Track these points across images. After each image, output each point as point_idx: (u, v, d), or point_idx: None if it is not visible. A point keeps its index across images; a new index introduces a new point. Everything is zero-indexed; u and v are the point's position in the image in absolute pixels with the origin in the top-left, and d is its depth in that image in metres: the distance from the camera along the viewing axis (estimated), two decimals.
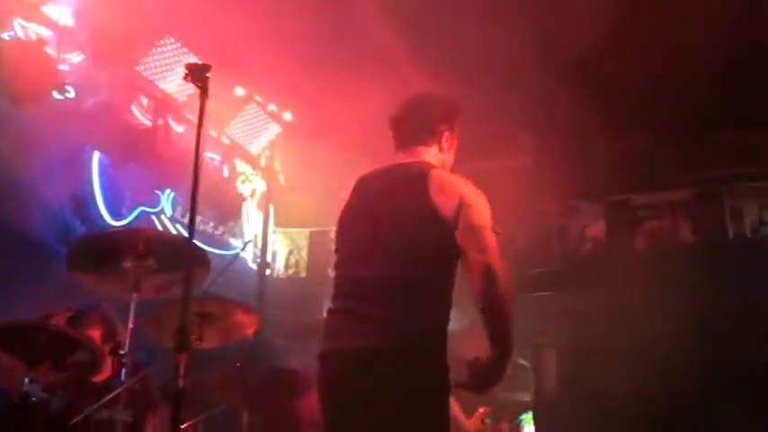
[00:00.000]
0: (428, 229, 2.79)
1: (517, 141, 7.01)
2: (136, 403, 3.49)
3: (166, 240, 3.85)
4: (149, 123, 6.06)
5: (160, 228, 6.10)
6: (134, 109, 5.95)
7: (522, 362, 9.66)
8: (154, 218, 6.18)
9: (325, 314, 3.02)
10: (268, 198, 7.55)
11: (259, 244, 7.40)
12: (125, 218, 5.84)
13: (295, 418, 4.33)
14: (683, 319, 8.14)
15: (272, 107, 7.19)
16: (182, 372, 2.27)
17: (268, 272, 7.40)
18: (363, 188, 3.06)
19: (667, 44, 5.10)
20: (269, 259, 7.48)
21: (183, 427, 3.77)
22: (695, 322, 8.10)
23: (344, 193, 3.12)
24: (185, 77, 2.59)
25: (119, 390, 3.33)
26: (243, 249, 7.04)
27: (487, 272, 2.68)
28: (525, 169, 6.90)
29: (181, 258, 3.27)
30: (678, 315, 8.14)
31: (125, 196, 5.90)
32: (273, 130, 7.33)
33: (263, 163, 7.60)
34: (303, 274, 7.53)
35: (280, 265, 7.67)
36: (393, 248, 2.80)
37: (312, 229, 7.65)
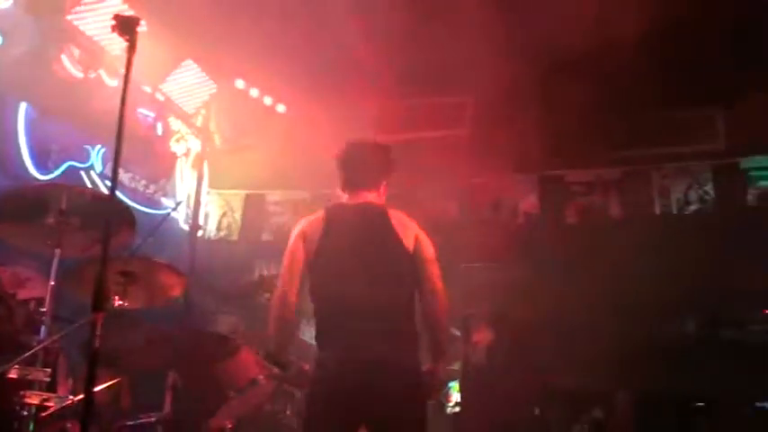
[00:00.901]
0: (402, 259, 3.46)
1: (456, 113, 7.04)
2: (53, 362, 3.41)
3: (91, 197, 3.75)
4: (80, 75, 5.84)
5: (89, 184, 5.94)
6: (64, 60, 5.73)
7: (455, 332, 9.82)
8: (83, 173, 6.02)
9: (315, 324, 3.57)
10: (203, 158, 7.40)
11: (192, 205, 7.27)
12: (51, 172, 5.66)
13: (219, 383, 4.29)
14: (609, 291, 8.40)
15: (209, 66, 7.02)
16: (98, 331, 2.21)
17: (200, 233, 7.28)
18: (336, 223, 3.57)
19: (601, 24, 5.16)
20: (201, 221, 7.37)
21: (105, 386, 3.74)
22: (620, 294, 8.36)
23: (308, 222, 3.62)
24: (113, 29, 2.50)
25: (36, 348, 3.25)
26: (174, 209, 6.91)
27: (436, 297, 3.48)
28: (462, 141, 6.94)
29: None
30: (604, 288, 8.39)
31: (52, 150, 5.72)
32: (210, 89, 7.18)
33: (199, 122, 7.44)
34: (235, 237, 7.44)
35: (212, 227, 7.56)
36: (380, 274, 3.41)
37: (247, 192, 7.54)
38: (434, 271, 3.51)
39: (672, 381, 7.80)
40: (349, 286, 3.40)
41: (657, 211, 6.65)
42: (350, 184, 3.70)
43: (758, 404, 8.37)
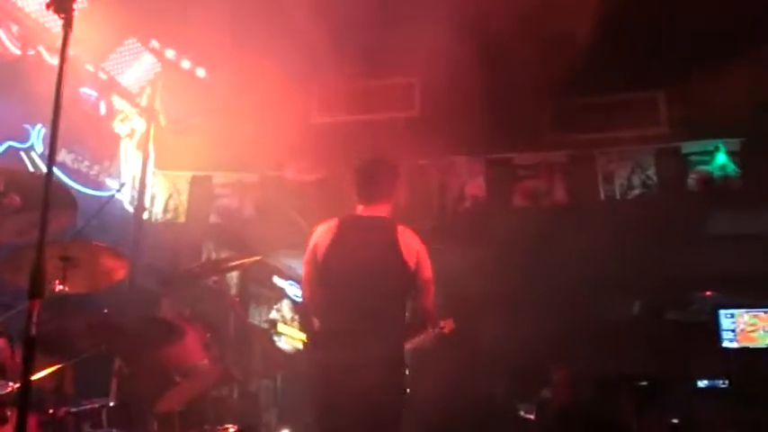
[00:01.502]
0: (400, 276, 3.95)
1: (403, 95, 7.03)
2: None
3: (30, 179, 3.66)
4: (18, 53, 5.67)
5: (29, 165, 5.79)
6: (2, 35, 5.56)
7: None
8: (23, 154, 5.85)
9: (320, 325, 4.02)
10: (147, 139, 7.27)
11: (137, 186, 7.15)
12: None
13: (165, 367, 4.25)
14: (556, 273, 8.56)
15: (153, 43, 6.89)
16: (34, 318, 2.16)
17: (146, 215, 7.17)
18: (347, 233, 4.06)
19: (546, 6, 5.20)
20: (147, 203, 7.25)
21: (47, 372, 3.66)
22: (567, 276, 8.53)
23: (322, 230, 4.11)
24: (48, 6, 2.43)
25: None
26: (119, 191, 6.78)
27: (428, 316, 4.27)
28: (410, 123, 6.94)
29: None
30: (551, 271, 8.54)
31: None
32: (154, 67, 7.04)
33: (143, 102, 7.30)
34: (182, 219, 7.33)
35: (158, 209, 7.44)
36: (379, 286, 3.91)
37: (193, 173, 7.44)
38: (430, 291, 4.10)
39: (617, 361, 8.01)
40: (349, 294, 3.91)
41: (602, 195, 6.74)
42: (365, 197, 4.19)
43: (699, 383, 8.67)
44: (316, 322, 4.11)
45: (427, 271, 4.05)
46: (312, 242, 4.13)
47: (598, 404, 6.59)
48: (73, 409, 3.80)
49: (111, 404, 3.91)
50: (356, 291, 3.89)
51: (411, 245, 4.02)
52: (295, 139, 6.80)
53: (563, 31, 5.45)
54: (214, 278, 4.97)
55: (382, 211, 4.17)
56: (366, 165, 4.29)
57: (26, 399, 2.27)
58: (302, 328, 4.41)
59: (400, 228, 4.06)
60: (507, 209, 6.83)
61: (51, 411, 3.59)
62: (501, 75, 5.98)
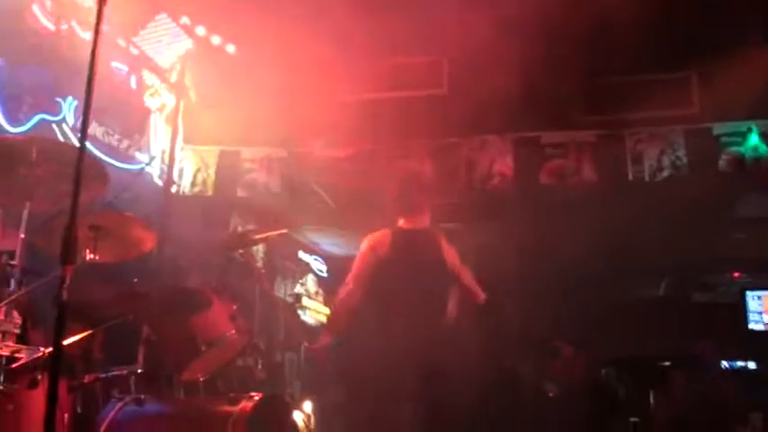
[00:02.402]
0: (444, 279, 4.67)
1: (431, 73, 7.02)
2: (24, 314, 3.42)
3: (62, 149, 3.73)
4: (52, 27, 5.75)
5: (61, 137, 5.87)
6: (36, 10, 5.63)
7: None
8: (54, 126, 5.93)
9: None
10: (177, 114, 7.34)
11: (166, 160, 7.23)
12: (23, 125, 5.58)
13: (191, 336, 4.31)
14: (582, 253, 8.53)
15: (184, 20, 6.94)
16: (66, 284, 2.22)
17: (174, 189, 7.26)
18: (401, 242, 4.66)
19: None
20: (176, 176, 7.33)
21: (76, 338, 3.75)
22: (593, 256, 8.50)
23: (377, 242, 4.68)
24: None
25: (6, 300, 3.25)
26: (149, 164, 6.89)
27: (473, 290, 4.89)
28: (439, 101, 6.93)
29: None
30: (577, 250, 8.51)
31: (23, 102, 5.64)
32: (185, 43, 7.09)
33: (173, 78, 7.36)
34: (210, 193, 7.41)
35: (187, 183, 7.53)
36: (430, 287, 4.58)
37: (221, 148, 7.50)
38: (466, 279, 4.84)
39: (642, 341, 7.99)
40: (406, 294, 4.48)
41: (630, 176, 6.68)
42: (409, 209, 4.75)
43: (726, 363, 8.62)
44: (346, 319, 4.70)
45: (465, 276, 4.81)
46: (367, 244, 4.68)
47: (619, 383, 6.56)
48: (101, 375, 3.89)
49: (139, 371, 3.99)
50: (409, 292, 4.48)
51: (448, 251, 4.73)
52: (323, 116, 6.83)
53: (595, 9, 5.41)
54: (241, 251, 5.03)
55: (425, 220, 4.75)
56: (408, 176, 4.89)
57: (58, 362, 2.34)
58: (333, 317, 4.68)
59: (442, 240, 4.74)
60: (534, 187, 6.81)
61: (80, 377, 3.67)
62: (530, 53, 5.94)
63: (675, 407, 6.89)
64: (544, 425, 6.10)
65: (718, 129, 6.60)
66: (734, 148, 6.52)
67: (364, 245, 4.74)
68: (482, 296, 4.96)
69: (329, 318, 4.90)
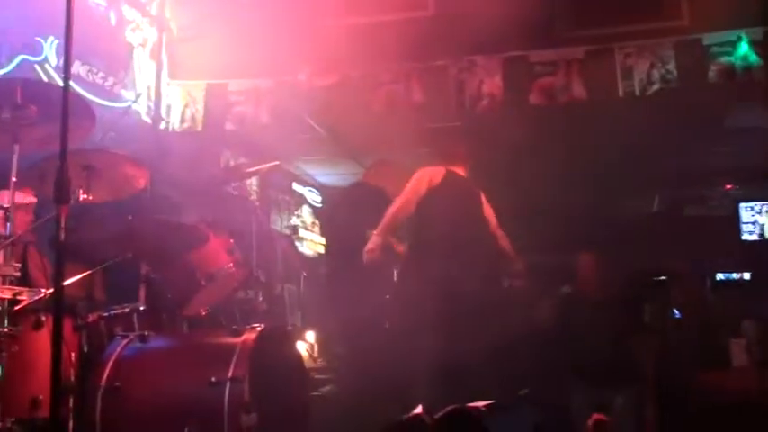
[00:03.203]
0: (484, 226, 5.28)
1: None
2: (23, 256, 3.44)
3: (46, 90, 3.68)
4: None
5: (44, 78, 5.78)
6: None
7: None
8: (37, 67, 5.85)
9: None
10: (160, 48, 7.22)
11: (152, 97, 7.14)
12: (4, 67, 5.50)
13: (190, 271, 4.35)
14: (575, 171, 8.53)
15: None
16: (62, 224, 2.22)
17: (162, 125, 7.19)
18: (450, 180, 5.15)
19: None
20: (164, 113, 7.26)
21: (77, 278, 3.78)
22: (585, 174, 8.51)
23: (432, 172, 5.16)
24: None
25: (4, 244, 3.26)
26: (135, 101, 6.80)
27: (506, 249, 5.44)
28: (424, 22, 6.83)
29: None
30: (570, 168, 8.52)
31: (3, 43, 5.54)
32: None
33: (153, 10, 7.21)
34: (199, 128, 7.34)
35: (175, 119, 7.45)
36: (474, 231, 5.13)
37: (208, 82, 7.40)
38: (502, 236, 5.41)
39: (637, 257, 8.07)
40: (446, 236, 4.86)
41: (621, 91, 6.64)
42: (448, 159, 5.31)
43: (719, 275, 8.73)
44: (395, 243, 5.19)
45: (501, 234, 5.40)
46: (420, 176, 5.11)
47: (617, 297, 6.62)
48: (104, 314, 3.93)
49: (142, 308, 4.03)
50: (455, 233, 4.91)
51: (486, 203, 5.35)
52: (308, 44, 6.73)
53: None
54: (234, 184, 5.02)
55: (464, 172, 5.34)
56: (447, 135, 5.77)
57: (60, 302, 2.36)
58: (387, 222, 4.96)
59: (480, 192, 5.35)
60: (524, 107, 6.77)
61: (84, 317, 3.71)
62: None
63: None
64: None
65: (708, 39, 6.52)
66: (724, 59, 6.46)
67: (417, 174, 5.15)
68: (519, 264, 5.51)
69: (383, 223, 5.11)
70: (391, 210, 5.14)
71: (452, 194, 5.10)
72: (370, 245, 4.98)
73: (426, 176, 5.11)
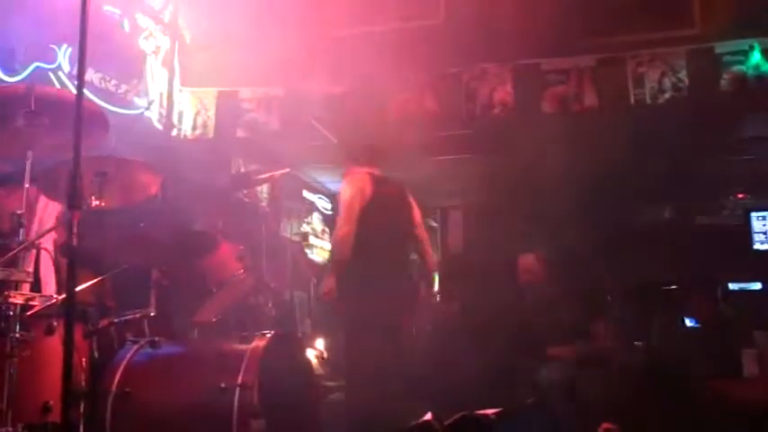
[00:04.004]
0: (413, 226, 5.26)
1: (428, 2, 6.92)
2: (35, 262, 3.46)
3: (60, 97, 3.70)
4: None
5: (57, 85, 5.84)
6: None
7: (432, 223, 9.97)
8: (51, 74, 5.90)
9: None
10: (173, 55, 7.27)
11: (164, 104, 7.19)
12: (19, 74, 5.56)
13: (201, 278, 4.37)
14: (586, 179, 8.51)
15: None
16: (74, 229, 2.24)
17: (175, 132, 7.24)
18: (380, 187, 5.01)
19: None
20: (175, 119, 7.30)
21: (88, 285, 3.80)
22: (597, 182, 8.48)
23: (361, 180, 4.98)
24: None
25: (16, 249, 3.28)
26: (147, 108, 6.85)
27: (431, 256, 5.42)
28: (435, 30, 6.84)
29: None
30: (582, 176, 8.49)
31: (17, 51, 5.59)
32: None
33: (167, 18, 7.26)
34: (211, 135, 7.38)
35: (187, 126, 7.50)
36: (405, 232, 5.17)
37: (220, 89, 7.44)
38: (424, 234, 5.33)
39: (648, 266, 8.03)
40: (382, 239, 4.85)
41: (632, 100, 6.63)
42: (374, 161, 5.13)
43: (731, 285, 8.67)
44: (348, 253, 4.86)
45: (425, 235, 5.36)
46: (355, 189, 4.92)
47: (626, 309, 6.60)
48: (115, 320, 3.94)
49: (152, 314, 4.04)
50: (389, 236, 4.92)
51: (417, 212, 5.27)
52: (319, 52, 6.76)
53: None
54: (245, 191, 5.04)
55: (390, 170, 5.24)
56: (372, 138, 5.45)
57: (72, 308, 2.37)
58: (336, 254, 4.81)
59: (410, 195, 5.24)
60: (536, 115, 6.77)
61: (95, 323, 3.73)
62: None
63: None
64: None
65: (720, 48, 6.51)
66: (736, 67, 6.45)
67: (351, 187, 4.96)
68: (435, 265, 5.50)
69: (332, 261, 5.13)
70: (335, 246, 5.11)
71: (385, 205, 5.01)
72: (341, 233, 4.89)
73: (358, 193, 4.95)
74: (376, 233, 4.85)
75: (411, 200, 5.23)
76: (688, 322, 7.01)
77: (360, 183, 4.97)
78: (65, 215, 2.39)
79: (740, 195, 9.66)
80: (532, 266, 6.16)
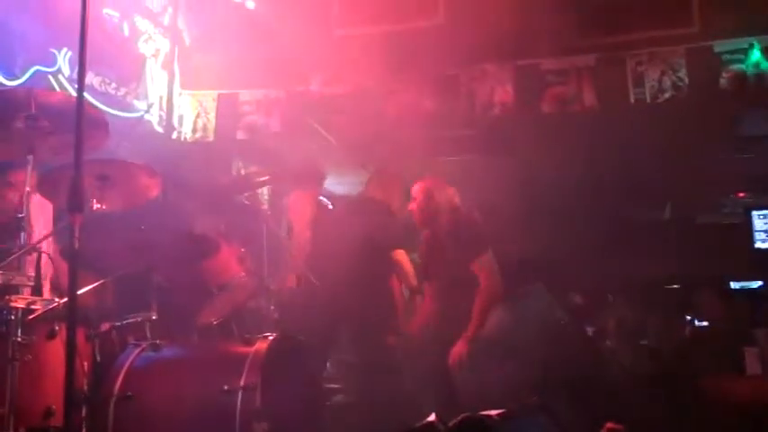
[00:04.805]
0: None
1: (426, 4, 6.91)
2: (36, 266, 3.45)
3: (60, 101, 3.70)
4: None
5: (57, 88, 5.83)
6: None
7: None
8: (51, 78, 5.90)
9: None
10: (172, 58, 7.26)
11: (164, 107, 7.18)
12: (18, 77, 5.55)
13: (202, 281, 4.37)
14: (587, 178, 8.51)
15: None
16: (76, 233, 2.23)
17: (175, 135, 7.23)
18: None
19: None
20: (176, 122, 7.30)
21: (89, 288, 3.79)
22: (597, 182, 8.48)
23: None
24: None
25: (17, 253, 3.28)
26: (147, 111, 6.85)
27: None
28: (435, 31, 6.83)
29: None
30: (582, 176, 8.49)
31: (17, 54, 5.59)
32: None
33: (166, 21, 7.26)
34: (211, 138, 7.38)
35: (188, 129, 7.49)
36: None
37: (220, 91, 7.43)
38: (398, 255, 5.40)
39: (648, 265, 8.02)
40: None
41: (632, 99, 6.62)
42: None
43: (732, 283, 8.66)
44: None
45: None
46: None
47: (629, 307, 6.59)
48: (117, 323, 3.94)
49: (154, 317, 4.04)
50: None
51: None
52: (319, 53, 6.75)
53: None
54: (246, 194, 5.03)
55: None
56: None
57: (74, 311, 2.36)
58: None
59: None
60: (536, 115, 6.76)
61: (96, 326, 3.72)
62: None
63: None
64: None
65: (720, 46, 6.50)
66: (735, 66, 6.44)
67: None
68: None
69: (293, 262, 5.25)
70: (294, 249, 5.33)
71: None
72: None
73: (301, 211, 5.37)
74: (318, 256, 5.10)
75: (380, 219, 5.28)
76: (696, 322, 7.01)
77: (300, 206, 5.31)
78: (64, 218, 2.38)
79: (741, 194, 9.65)
80: None
